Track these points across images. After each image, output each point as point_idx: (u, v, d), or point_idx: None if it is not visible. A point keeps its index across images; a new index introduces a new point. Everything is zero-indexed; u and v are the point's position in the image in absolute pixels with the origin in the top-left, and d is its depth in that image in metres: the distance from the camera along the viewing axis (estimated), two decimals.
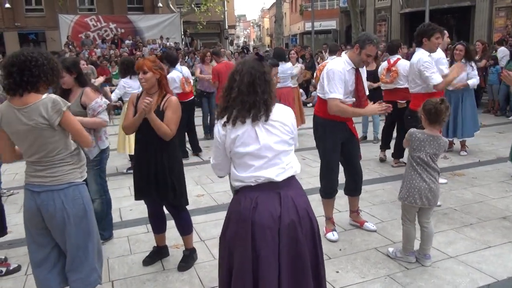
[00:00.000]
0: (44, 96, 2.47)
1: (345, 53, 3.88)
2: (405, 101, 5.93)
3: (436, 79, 4.51)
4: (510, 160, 5.54)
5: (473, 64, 6.39)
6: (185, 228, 3.57)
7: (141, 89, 3.47)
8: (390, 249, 3.62)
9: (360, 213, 4.30)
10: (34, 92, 2.47)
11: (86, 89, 3.73)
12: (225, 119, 2.23)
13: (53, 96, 2.50)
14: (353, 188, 4.14)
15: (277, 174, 2.22)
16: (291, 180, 2.29)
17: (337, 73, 3.69)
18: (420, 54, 4.56)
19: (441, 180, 5.42)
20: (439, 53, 5.41)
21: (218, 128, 2.27)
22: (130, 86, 6.15)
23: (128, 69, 6.16)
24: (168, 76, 6.30)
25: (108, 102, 3.76)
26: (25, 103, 2.45)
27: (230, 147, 2.23)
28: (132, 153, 6.47)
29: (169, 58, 7.47)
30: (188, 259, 3.59)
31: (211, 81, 7.96)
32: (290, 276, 2.17)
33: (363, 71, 3.96)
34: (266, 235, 2.14)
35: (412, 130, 3.43)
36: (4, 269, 3.58)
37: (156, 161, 3.30)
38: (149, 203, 3.56)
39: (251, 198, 2.20)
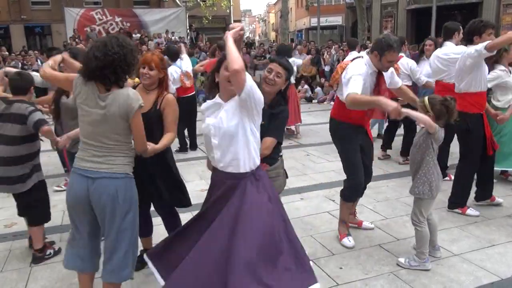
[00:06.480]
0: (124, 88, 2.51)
1: (367, 53, 3.59)
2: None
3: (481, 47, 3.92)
4: None
5: None
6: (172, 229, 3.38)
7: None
8: (401, 259, 3.42)
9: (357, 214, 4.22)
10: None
11: None
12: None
13: (131, 90, 2.53)
14: None
15: None
16: None
17: (358, 76, 3.38)
18: (467, 48, 4.16)
19: None
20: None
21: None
22: None
23: None
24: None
25: None
26: (107, 90, 2.48)
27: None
28: None
29: (169, 53, 7.04)
30: None
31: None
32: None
33: (386, 74, 3.65)
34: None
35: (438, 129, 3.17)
36: (51, 251, 3.72)
37: (146, 164, 3.05)
38: None
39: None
